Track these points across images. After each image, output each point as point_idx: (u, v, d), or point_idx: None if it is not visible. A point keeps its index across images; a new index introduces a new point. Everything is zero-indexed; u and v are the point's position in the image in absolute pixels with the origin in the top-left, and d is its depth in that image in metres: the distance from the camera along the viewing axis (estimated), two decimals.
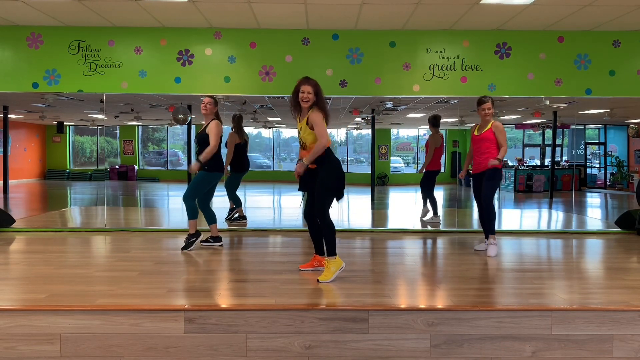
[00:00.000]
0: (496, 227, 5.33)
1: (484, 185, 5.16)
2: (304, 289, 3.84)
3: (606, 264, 5.04)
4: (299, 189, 4.36)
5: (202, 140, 5.27)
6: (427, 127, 7.51)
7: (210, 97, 5.37)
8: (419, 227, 7.19)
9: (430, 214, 7.59)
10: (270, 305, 3.33)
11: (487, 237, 5.32)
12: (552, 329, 3.27)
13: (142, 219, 8.37)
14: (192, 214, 5.35)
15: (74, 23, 6.20)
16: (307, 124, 4.08)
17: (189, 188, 5.31)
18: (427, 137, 7.67)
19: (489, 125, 5.16)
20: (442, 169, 7.58)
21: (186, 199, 5.31)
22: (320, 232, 4.23)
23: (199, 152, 5.30)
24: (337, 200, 4.21)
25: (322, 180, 4.07)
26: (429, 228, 7.07)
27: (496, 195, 5.31)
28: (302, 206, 4.32)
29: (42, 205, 11.04)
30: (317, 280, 4.04)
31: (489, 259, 4.99)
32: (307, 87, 4.06)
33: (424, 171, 7.56)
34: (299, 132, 4.24)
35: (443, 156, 7.58)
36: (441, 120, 7.47)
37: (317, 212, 4.09)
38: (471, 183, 5.50)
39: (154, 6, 5.55)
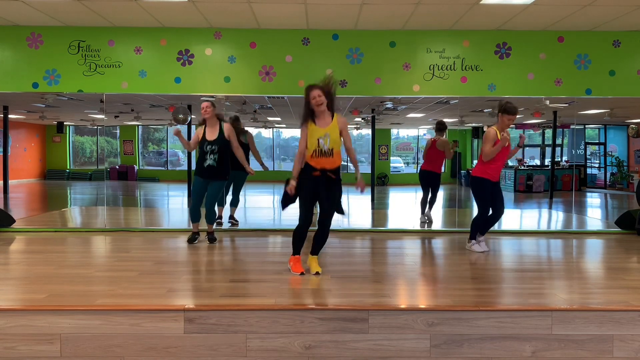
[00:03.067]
0: (497, 227, 5.41)
1: (500, 191, 5.29)
2: (304, 289, 3.84)
3: (606, 264, 5.04)
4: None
5: (225, 145, 5.43)
6: (428, 127, 7.52)
7: (208, 100, 5.42)
8: (418, 227, 7.18)
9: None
10: (270, 305, 3.33)
11: (482, 235, 5.42)
12: (552, 329, 3.27)
13: (142, 219, 8.37)
14: (212, 219, 5.69)
15: (74, 23, 6.20)
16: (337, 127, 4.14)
17: (214, 196, 5.53)
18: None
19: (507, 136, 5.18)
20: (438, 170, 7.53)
21: (211, 207, 5.57)
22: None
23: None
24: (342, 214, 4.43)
25: (340, 192, 4.26)
26: (427, 228, 7.05)
27: None
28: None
29: (42, 205, 11.03)
30: (317, 273, 4.20)
31: (488, 258, 5.00)
32: (316, 91, 4.09)
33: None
34: (324, 138, 4.06)
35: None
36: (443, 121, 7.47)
37: (330, 217, 4.22)
38: (465, 184, 5.54)
39: (154, 6, 5.55)
